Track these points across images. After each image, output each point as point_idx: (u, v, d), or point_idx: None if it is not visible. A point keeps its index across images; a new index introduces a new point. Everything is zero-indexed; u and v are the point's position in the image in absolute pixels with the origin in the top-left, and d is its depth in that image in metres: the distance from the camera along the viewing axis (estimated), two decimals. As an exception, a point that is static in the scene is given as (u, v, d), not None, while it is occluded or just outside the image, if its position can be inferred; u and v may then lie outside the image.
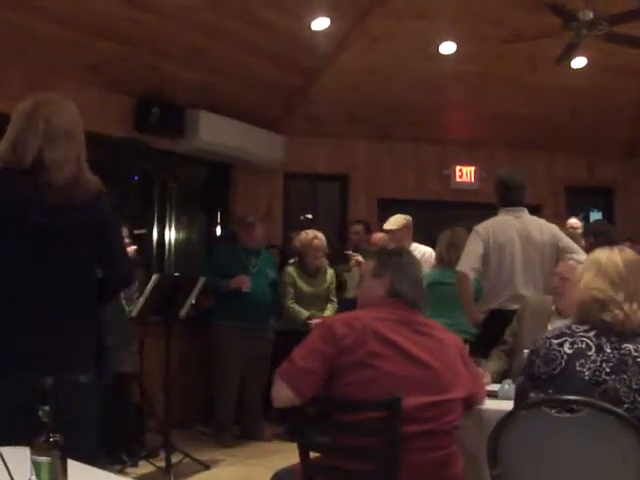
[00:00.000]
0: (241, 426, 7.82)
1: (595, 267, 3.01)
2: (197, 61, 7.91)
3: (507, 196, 5.90)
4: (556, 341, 2.90)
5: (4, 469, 1.40)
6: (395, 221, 7.76)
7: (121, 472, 6.26)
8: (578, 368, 2.81)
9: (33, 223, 2.88)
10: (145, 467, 6.45)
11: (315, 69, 8.77)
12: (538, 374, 2.90)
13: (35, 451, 1.69)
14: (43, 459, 1.68)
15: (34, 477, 1.36)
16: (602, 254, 3.06)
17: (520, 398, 3.00)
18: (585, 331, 2.91)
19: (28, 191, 2.88)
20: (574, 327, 2.95)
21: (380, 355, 3.19)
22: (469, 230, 6.03)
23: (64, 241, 2.94)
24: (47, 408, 1.72)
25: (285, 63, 8.47)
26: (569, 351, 2.86)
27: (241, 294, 7.51)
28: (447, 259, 6.65)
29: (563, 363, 2.84)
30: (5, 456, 1.43)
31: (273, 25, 7.68)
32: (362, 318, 3.33)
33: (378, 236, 8.04)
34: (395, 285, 3.45)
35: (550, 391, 2.82)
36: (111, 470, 6.15)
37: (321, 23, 7.84)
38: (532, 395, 2.86)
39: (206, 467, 6.57)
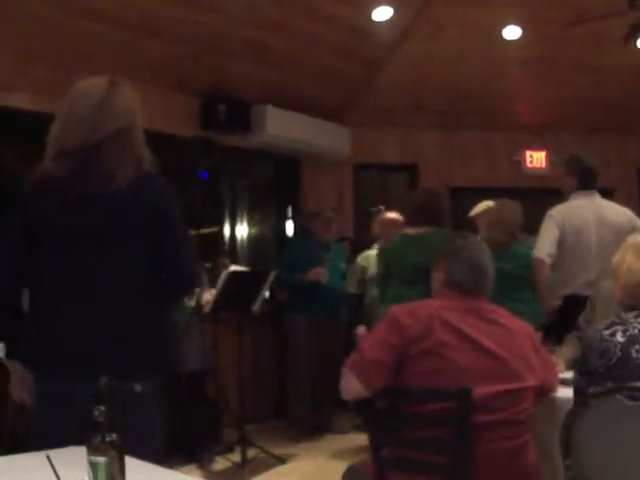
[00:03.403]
0: (316, 419, 7.82)
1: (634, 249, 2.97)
2: (261, 56, 7.92)
3: (586, 179, 5.77)
4: (607, 332, 2.84)
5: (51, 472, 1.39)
6: (475, 208, 7.72)
7: (198, 468, 6.32)
8: (634, 355, 2.74)
9: (56, 223, 2.72)
10: (221, 463, 6.49)
11: (379, 59, 8.72)
12: (594, 368, 2.84)
13: (91, 451, 1.69)
14: (99, 459, 1.67)
15: (86, 478, 1.34)
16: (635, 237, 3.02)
17: (579, 396, 2.92)
18: (635, 317, 2.84)
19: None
20: (623, 315, 2.88)
21: (448, 344, 3.15)
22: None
23: (96, 236, 2.71)
24: (102, 408, 1.72)
25: (349, 55, 8.43)
26: (622, 339, 2.79)
27: (316, 287, 7.50)
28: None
29: (618, 352, 2.78)
30: (54, 458, 1.42)
31: (335, 17, 7.65)
32: (428, 307, 3.30)
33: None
34: (449, 275, 3.41)
35: (609, 383, 2.75)
36: (187, 467, 6.26)
37: (383, 13, 7.77)
38: (591, 391, 2.79)
39: (282, 461, 6.59)
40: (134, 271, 2.75)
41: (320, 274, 7.51)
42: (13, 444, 3.91)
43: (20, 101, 6.64)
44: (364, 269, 7.82)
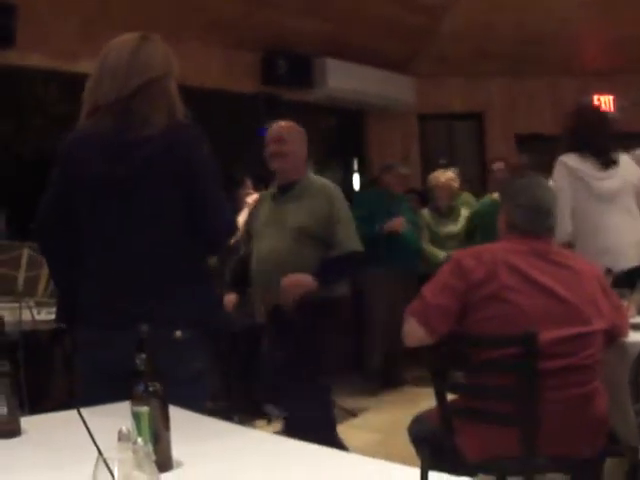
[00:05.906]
0: (390, 372, 7.76)
1: None
2: (319, 9, 7.82)
3: None
4: None
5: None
6: None
7: (269, 424, 6.32)
8: None
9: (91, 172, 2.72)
10: (292, 417, 6.49)
11: (441, 6, 8.54)
12: None
13: (134, 401, 1.66)
14: (142, 409, 1.64)
15: (124, 427, 1.30)
16: None
17: None
18: None
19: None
20: None
21: (513, 288, 3.06)
22: None
23: (128, 184, 2.69)
24: (144, 356, 1.69)
25: (409, 2, 8.27)
26: None
27: (393, 239, 7.37)
28: None
29: None
30: (88, 414, 1.38)
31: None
32: (492, 251, 3.21)
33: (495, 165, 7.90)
34: (511, 217, 3.32)
35: None
36: (258, 421, 6.27)
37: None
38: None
39: (353, 414, 6.57)
40: (165, 220, 2.71)
41: (399, 223, 7.36)
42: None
43: (85, 67, 6.66)
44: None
